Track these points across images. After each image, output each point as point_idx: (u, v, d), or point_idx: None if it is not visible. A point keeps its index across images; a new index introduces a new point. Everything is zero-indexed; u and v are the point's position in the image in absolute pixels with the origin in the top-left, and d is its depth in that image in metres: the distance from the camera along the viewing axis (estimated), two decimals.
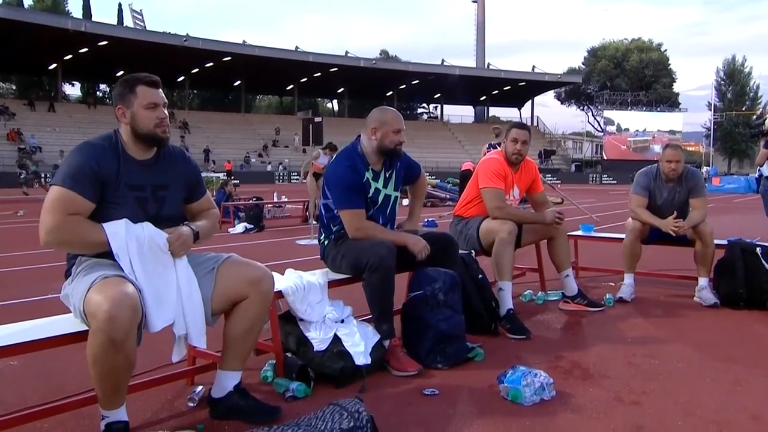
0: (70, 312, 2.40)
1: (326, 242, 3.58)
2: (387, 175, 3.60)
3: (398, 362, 3.16)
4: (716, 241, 4.82)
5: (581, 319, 4.38)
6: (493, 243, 4.21)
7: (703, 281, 4.86)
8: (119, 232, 2.33)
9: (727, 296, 4.70)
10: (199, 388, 2.85)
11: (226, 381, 2.59)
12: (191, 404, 2.76)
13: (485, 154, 13.32)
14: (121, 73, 38.09)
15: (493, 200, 4.34)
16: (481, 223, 4.39)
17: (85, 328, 2.21)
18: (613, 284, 5.54)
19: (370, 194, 3.48)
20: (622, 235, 5.15)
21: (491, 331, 3.88)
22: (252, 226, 10.92)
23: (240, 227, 10.88)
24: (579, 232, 5.81)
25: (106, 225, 2.33)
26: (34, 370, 3.18)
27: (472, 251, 4.16)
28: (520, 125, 4.60)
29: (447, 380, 3.10)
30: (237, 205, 12.01)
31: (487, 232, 4.30)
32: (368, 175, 3.48)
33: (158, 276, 2.36)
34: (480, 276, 3.87)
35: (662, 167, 4.94)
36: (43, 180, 25.36)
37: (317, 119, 9.23)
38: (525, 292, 5.00)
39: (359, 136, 3.57)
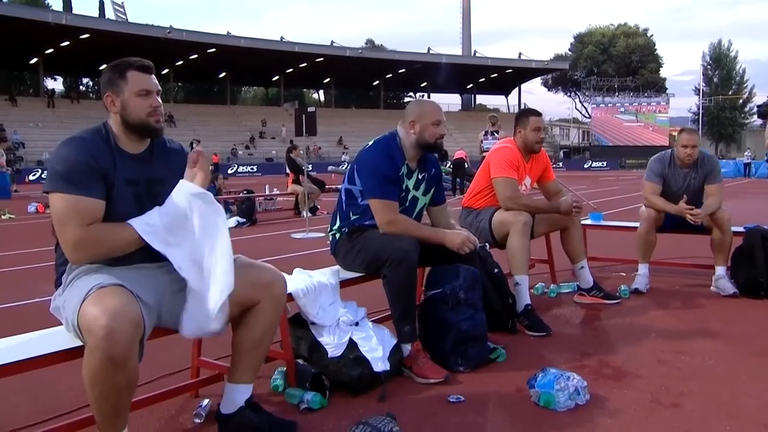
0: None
1: (338, 236, 3.33)
2: (420, 177, 3.37)
3: (420, 369, 2.93)
4: (733, 228, 4.64)
5: (599, 313, 4.18)
6: (507, 235, 4.00)
7: (720, 270, 4.67)
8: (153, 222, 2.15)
9: (746, 285, 4.52)
10: (206, 401, 2.60)
11: (237, 395, 2.36)
12: (197, 420, 2.52)
13: (482, 141, 13.17)
14: (104, 67, 37.49)
15: (506, 190, 4.12)
16: (494, 214, 4.18)
17: (81, 343, 1.97)
18: (624, 274, 5.37)
19: (401, 190, 3.27)
20: (635, 224, 4.96)
21: (508, 329, 3.67)
22: (244, 220, 10.66)
23: (232, 221, 10.57)
24: (589, 221, 5.60)
25: (134, 222, 2.14)
26: (24, 384, 2.91)
27: (486, 244, 3.94)
28: (537, 112, 4.40)
29: (472, 385, 2.89)
30: (228, 199, 11.75)
31: (501, 224, 4.08)
32: (404, 169, 3.26)
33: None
34: (496, 270, 3.65)
35: (677, 152, 4.74)
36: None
37: (310, 109, 8.95)
38: (537, 285, 4.80)
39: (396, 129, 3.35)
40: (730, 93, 62.86)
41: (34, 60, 45.48)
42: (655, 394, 2.75)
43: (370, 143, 3.34)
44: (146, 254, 2.18)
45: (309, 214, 10.05)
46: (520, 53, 57.91)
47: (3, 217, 13.08)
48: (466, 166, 16.97)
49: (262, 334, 2.34)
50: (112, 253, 2.12)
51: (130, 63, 2.25)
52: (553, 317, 4.07)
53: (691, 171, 4.75)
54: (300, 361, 2.83)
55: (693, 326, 3.85)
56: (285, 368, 2.81)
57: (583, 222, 5.31)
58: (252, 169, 40.69)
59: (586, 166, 48.67)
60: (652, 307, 4.33)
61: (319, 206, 12.34)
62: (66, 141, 2.14)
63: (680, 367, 3.10)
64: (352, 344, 2.83)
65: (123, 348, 1.84)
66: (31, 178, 30.09)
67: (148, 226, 2.13)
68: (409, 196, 3.33)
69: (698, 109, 59.02)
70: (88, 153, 2.10)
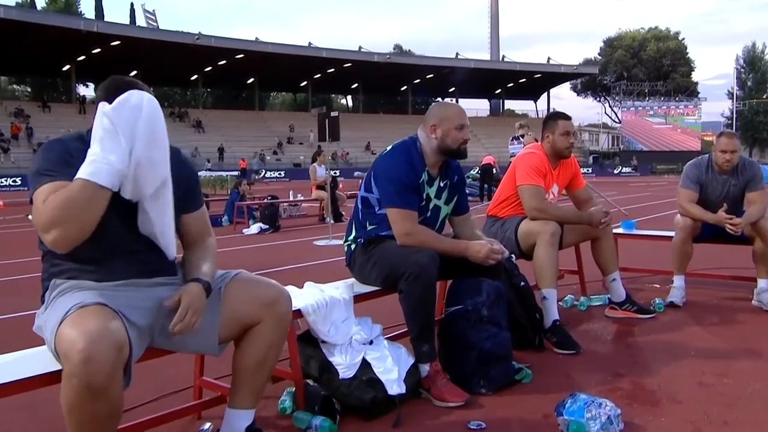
0: None
1: (353, 246, 3.14)
2: (441, 185, 3.16)
3: (438, 391, 2.72)
4: None
5: (632, 329, 3.93)
6: (534, 246, 3.76)
7: (763, 283, 4.38)
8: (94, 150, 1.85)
9: None
10: (207, 425, 2.43)
11: (237, 421, 2.18)
12: None
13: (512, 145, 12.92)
14: (134, 73, 38.00)
15: (532, 199, 3.89)
16: (520, 224, 3.95)
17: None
18: (658, 286, 5.10)
19: (422, 199, 3.07)
20: (670, 233, 4.70)
21: (535, 346, 3.44)
22: (267, 226, 10.54)
23: (255, 228, 10.50)
24: (621, 230, 5.32)
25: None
26: (18, 401, 2.77)
27: (512, 255, 3.71)
28: (566, 116, 4.14)
29: (495, 409, 2.67)
30: (251, 205, 11.65)
31: (527, 234, 3.85)
32: (424, 177, 3.05)
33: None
34: (522, 284, 3.42)
35: (715, 157, 4.47)
36: None
37: (333, 113, 8.80)
38: (566, 297, 4.56)
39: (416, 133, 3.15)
40: (764, 96, 61.53)
41: (67, 67, 46.26)
42: (696, 423, 2.51)
43: (389, 148, 3.14)
44: (138, 269, 2.01)
45: (333, 221, 9.89)
46: (549, 58, 57.54)
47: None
48: (495, 171, 16.77)
49: (264, 355, 2.15)
50: (81, 214, 1.82)
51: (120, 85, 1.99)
52: (582, 333, 3.84)
53: (731, 177, 4.48)
54: (309, 382, 2.65)
55: (735, 345, 3.58)
56: (294, 389, 2.62)
57: (614, 231, 5.07)
58: (280, 174, 40.93)
59: (615, 171, 48.10)
60: (689, 322, 4.07)
61: (344, 213, 12.19)
62: (48, 144, 1.99)
63: (723, 391, 2.85)
64: (365, 365, 2.63)
65: (103, 376, 1.65)
66: None
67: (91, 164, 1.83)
68: (431, 205, 3.12)
69: (731, 113, 57.87)
70: (63, 149, 1.93)
